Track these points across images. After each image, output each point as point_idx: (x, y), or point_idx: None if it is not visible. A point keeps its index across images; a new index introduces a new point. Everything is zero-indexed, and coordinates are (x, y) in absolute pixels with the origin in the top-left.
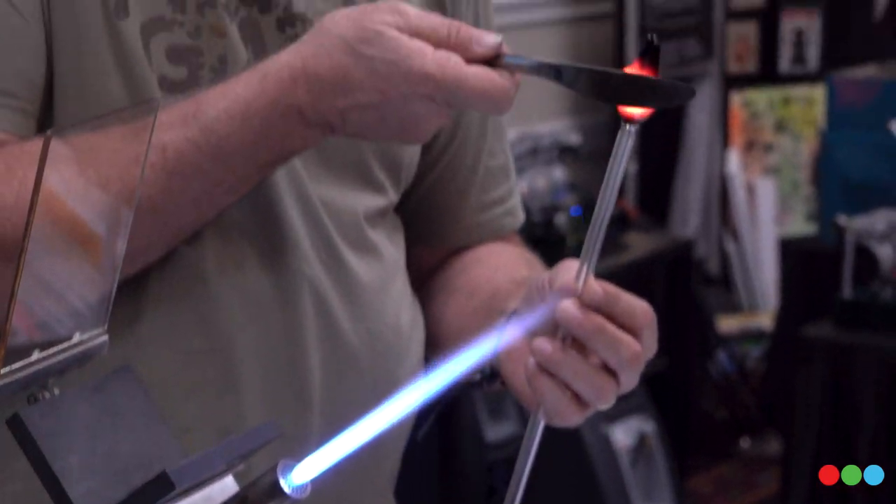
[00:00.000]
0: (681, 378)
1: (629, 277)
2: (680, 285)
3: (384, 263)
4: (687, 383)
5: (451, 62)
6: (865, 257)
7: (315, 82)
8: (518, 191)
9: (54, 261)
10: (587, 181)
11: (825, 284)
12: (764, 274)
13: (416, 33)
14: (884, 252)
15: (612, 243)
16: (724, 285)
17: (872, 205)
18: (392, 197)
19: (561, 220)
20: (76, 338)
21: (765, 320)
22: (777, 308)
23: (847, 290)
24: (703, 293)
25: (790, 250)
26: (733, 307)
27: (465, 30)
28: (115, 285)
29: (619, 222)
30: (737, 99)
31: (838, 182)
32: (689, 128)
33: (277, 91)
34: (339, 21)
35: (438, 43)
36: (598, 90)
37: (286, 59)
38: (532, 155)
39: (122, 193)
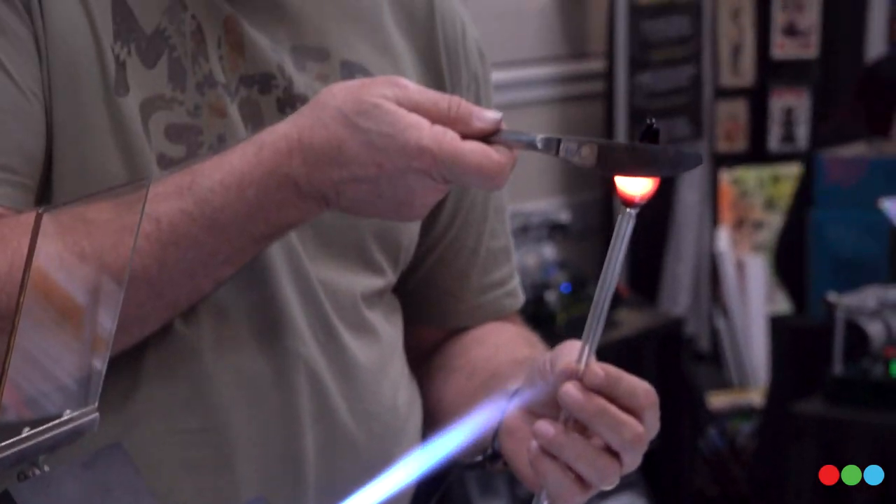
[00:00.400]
0: (672, 455)
1: (620, 354)
2: (670, 362)
3: (381, 344)
4: (678, 460)
5: (448, 137)
6: (855, 334)
7: (311, 154)
8: (517, 271)
9: (45, 337)
10: (577, 259)
11: (815, 361)
12: (754, 351)
13: (415, 107)
14: (874, 329)
15: None
16: (715, 362)
17: (862, 282)
18: (390, 278)
19: (551, 297)
20: (66, 415)
21: (755, 397)
22: (767, 385)
23: (837, 367)
24: (693, 370)
25: (780, 327)
26: (724, 384)
27: (465, 105)
28: (106, 362)
29: (611, 300)
30: (726, 177)
31: (827, 259)
32: (679, 206)
33: (273, 162)
34: (336, 93)
35: (438, 117)
36: (601, 161)
37: (283, 131)
38: (522, 233)
39: (115, 266)
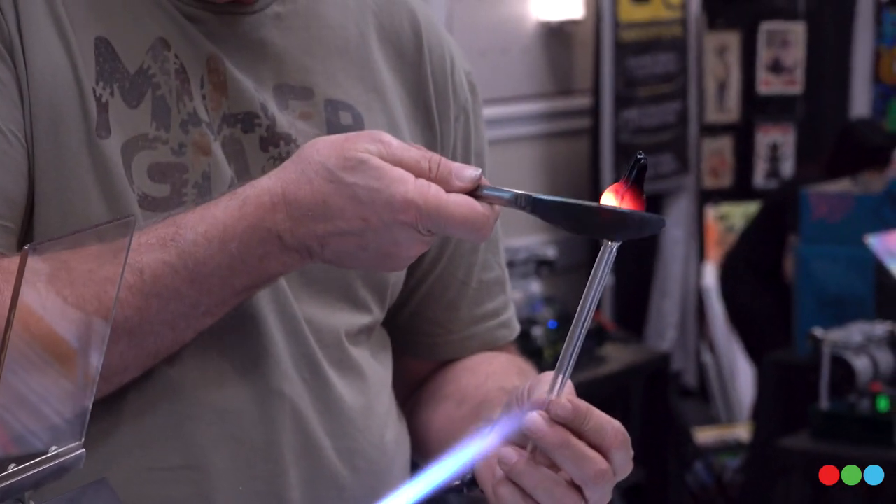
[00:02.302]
0: (658, 489)
1: (606, 390)
2: (657, 397)
3: (368, 382)
4: (665, 495)
5: (433, 190)
6: (842, 369)
7: (295, 208)
8: (512, 303)
9: (30, 375)
10: (563, 295)
11: (802, 396)
12: (741, 386)
13: (398, 163)
14: (860, 364)
15: (589, 356)
16: (702, 397)
17: (848, 317)
18: (377, 315)
19: (538, 333)
20: (53, 451)
21: (742, 432)
22: (754, 420)
23: (824, 402)
24: (680, 405)
25: (767, 362)
26: (710, 419)
27: (445, 163)
28: (92, 399)
29: (597, 335)
30: (712, 213)
31: (814, 295)
32: (665, 242)
33: (256, 216)
34: (320, 148)
35: (419, 175)
36: (571, 224)
37: (267, 185)
38: (508, 268)
39: (99, 312)
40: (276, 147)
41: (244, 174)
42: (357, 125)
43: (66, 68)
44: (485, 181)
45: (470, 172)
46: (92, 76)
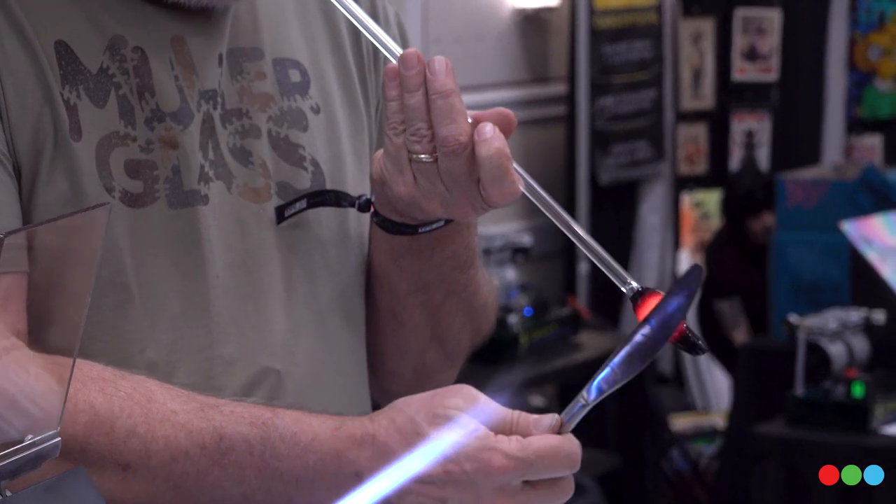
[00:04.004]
0: (635, 476)
1: (582, 377)
2: (632, 384)
3: None
4: (641, 482)
5: (514, 446)
6: (817, 355)
7: (382, 451)
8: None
9: (6, 365)
10: (539, 281)
11: (777, 383)
12: (716, 373)
13: (485, 420)
14: (835, 350)
15: (564, 343)
16: (677, 384)
17: (823, 304)
18: None
19: (513, 320)
20: (29, 439)
21: (718, 419)
22: (730, 407)
23: (799, 389)
24: (656, 392)
25: (742, 349)
26: (686, 406)
27: (524, 418)
28: (69, 386)
29: (572, 323)
30: (687, 200)
31: (789, 281)
32: (641, 229)
33: (345, 444)
34: (411, 402)
35: (503, 429)
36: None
37: (363, 421)
38: (484, 256)
39: (78, 297)
40: (230, 124)
41: (217, 150)
42: (304, 81)
43: (33, 76)
44: (562, 420)
45: (546, 422)
46: (58, 81)
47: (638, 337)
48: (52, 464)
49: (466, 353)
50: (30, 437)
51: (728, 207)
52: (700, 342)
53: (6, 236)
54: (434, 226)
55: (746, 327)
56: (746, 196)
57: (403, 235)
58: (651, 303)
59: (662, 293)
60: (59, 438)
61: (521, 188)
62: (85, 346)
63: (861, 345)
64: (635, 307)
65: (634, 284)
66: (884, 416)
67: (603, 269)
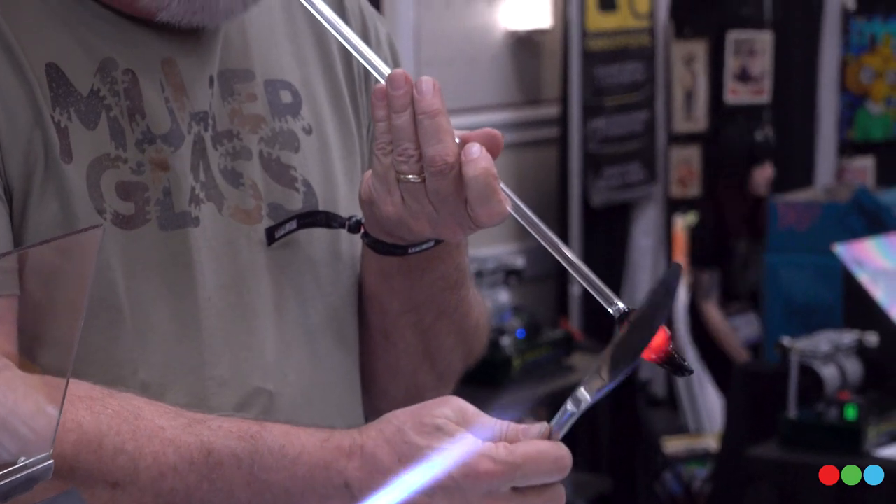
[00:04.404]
0: (627, 499)
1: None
2: (625, 407)
3: None
4: None
5: (502, 452)
6: (810, 378)
7: (370, 462)
8: None
9: (0, 389)
10: (532, 303)
11: (770, 405)
12: (709, 395)
13: (472, 428)
14: (828, 373)
15: (557, 365)
16: (670, 407)
17: (816, 326)
18: None
19: (506, 342)
20: (21, 462)
21: (711, 441)
22: (723, 429)
23: (792, 411)
24: (648, 415)
25: (735, 371)
26: (679, 429)
27: (513, 427)
28: (61, 411)
29: (565, 345)
30: (680, 222)
31: (781, 304)
32: (633, 250)
33: (333, 455)
34: (399, 415)
35: (490, 439)
36: (615, 367)
37: (352, 433)
38: (478, 278)
39: (71, 318)
40: (221, 146)
41: (208, 171)
42: (296, 102)
43: (24, 98)
44: (551, 428)
45: (535, 430)
46: (49, 103)
47: (619, 341)
48: (42, 484)
49: (459, 373)
50: (22, 459)
51: (731, 160)
52: (686, 364)
53: None
54: (424, 246)
55: (717, 302)
56: (753, 147)
57: (393, 256)
58: None
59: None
60: (51, 461)
61: (509, 208)
62: (77, 367)
63: (854, 367)
64: (620, 328)
65: (621, 305)
66: (877, 439)
67: (589, 290)
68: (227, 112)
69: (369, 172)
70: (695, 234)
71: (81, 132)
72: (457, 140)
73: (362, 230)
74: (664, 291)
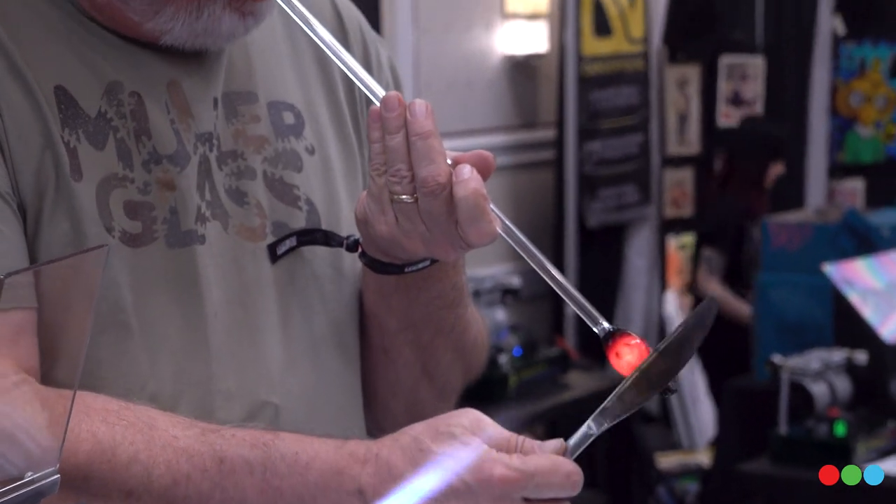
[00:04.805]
0: None
1: (570, 415)
2: (620, 423)
3: None
4: None
5: (515, 462)
6: (800, 395)
7: (384, 468)
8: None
9: (7, 406)
10: (528, 322)
11: (761, 422)
12: (702, 412)
13: (487, 440)
14: (818, 390)
15: (553, 383)
16: (664, 423)
17: (806, 344)
18: None
19: (503, 360)
20: (28, 476)
21: (703, 457)
22: (715, 445)
23: (783, 427)
24: (642, 431)
25: (727, 388)
26: (672, 444)
27: (529, 442)
28: (67, 427)
29: (561, 363)
30: (673, 243)
31: (773, 322)
32: (628, 271)
33: (347, 461)
34: (415, 426)
35: (505, 450)
36: (643, 390)
37: (367, 442)
38: (475, 297)
39: (78, 333)
40: (226, 165)
41: (213, 191)
42: (299, 123)
43: (34, 121)
44: (567, 446)
45: (552, 445)
46: (58, 124)
47: (646, 366)
48: (54, 495)
49: (459, 390)
50: (29, 474)
51: (741, 152)
52: (671, 384)
53: (7, 276)
54: (420, 265)
55: (720, 281)
56: (776, 142)
57: (390, 275)
58: (622, 343)
59: (634, 334)
60: (58, 476)
61: (499, 229)
62: (87, 382)
63: (843, 384)
64: (606, 347)
65: (606, 325)
66: (866, 455)
67: (575, 309)
68: (232, 133)
69: (364, 193)
70: (708, 214)
71: (90, 152)
72: (449, 161)
73: (360, 249)
74: (696, 324)
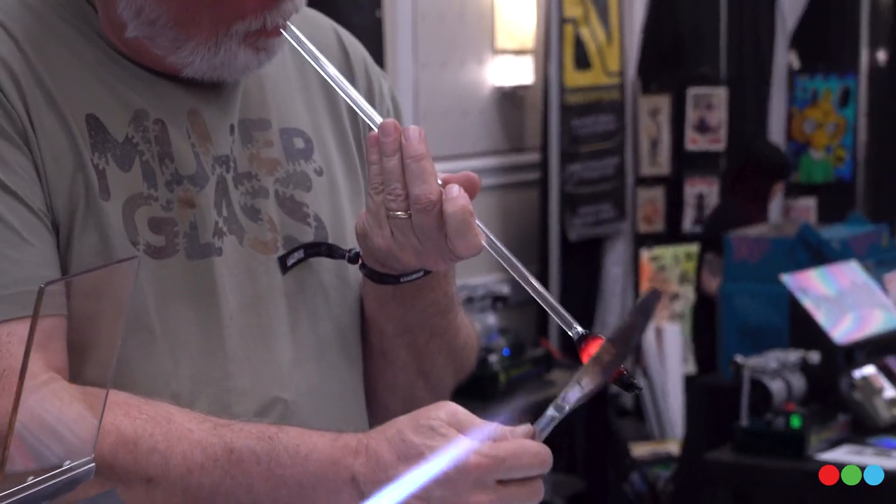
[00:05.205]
0: (599, 498)
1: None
2: (598, 416)
3: None
4: (604, 503)
5: (486, 448)
6: (760, 391)
7: (374, 458)
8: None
9: (41, 401)
10: (516, 326)
11: (725, 415)
12: (671, 406)
13: (461, 427)
14: (776, 386)
15: (538, 381)
16: (637, 416)
17: (766, 346)
18: None
19: (493, 359)
20: (66, 465)
21: (673, 447)
22: (683, 436)
23: (744, 420)
24: (618, 423)
25: (694, 385)
26: (645, 435)
27: (501, 428)
28: (101, 418)
29: (545, 362)
30: (646, 255)
31: (736, 326)
32: (605, 279)
33: (342, 452)
34: (399, 419)
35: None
36: (599, 371)
37: (358, 435)
38: (468, 303)
39: (111, 336)
40: (242, 185)
41: (230, 208)
42: (308, 148)
43: (67, 146)
44: (534, 430)
45: (521, 430)
46: (88, 149)
47: (598, 353)
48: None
49: (450, 388)
50: (67, 462)
51: (750, 171)
52: (635, 381)
53: (47, 286)
54: (414, 276)
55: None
56: (781, 164)
57: (388, 284)
58: (593, 345)
59: (602, 337)
60: (93, 464)
61: (484, 242)
62: (116, 381)
63: (798, 382)
64: (579, 348)
65: (579, 328)
66: (818, 445)
67: (551, 314)
68: (247, 156)
69: (364, 210)
70: (716, 221)
71: (117, 174)
72: (439, 181)
73: (360, 261)
74: (641, 313)
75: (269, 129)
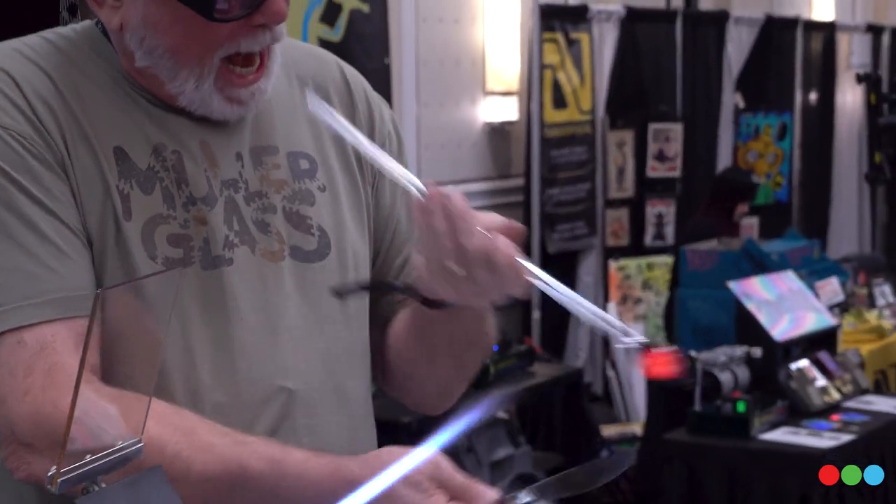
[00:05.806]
0: None
1: (534, 397)
2: (573, 402)
3: None
4: None
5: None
6: (711, 381)
7: (365, 462)
8: None
9: (92, 391)
10: (503, 324)
11: (681, 401)
12: (636, 393)
13: (441, 483)
14: (724, 377)
15: (522, 373)
16: (607, 402)
17: (715, 342)
18: None
19: None
20: (119, 444)
21: (637, 428)
22: (646, 419)
23: (697, 406)
24: (590, 408)
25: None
26: (613, 418)
27: (474, 486)
28: (150, 405)
29: (528, 357)
30: (613, 265)
31: (689, 326)
32: (579, 287)
33: (341, 460)
34: (382, 453)
35: (455, 494)
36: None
37: (356, 469)
38: None
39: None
40: (254, 202)
41: (241, 222)
42: (312, 168)
43: (97, 173)
44: (502, 498)
45: (490, 495)
46: (115, 176)
47: (572, 470)
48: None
49: (475, 372)
50: (119, 442)
51: (721, 193)
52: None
53: (103, 290)
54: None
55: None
56: (745, 187)
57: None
58: (652, 356)
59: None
60: (142, 444)
61: (529, 278)
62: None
63: (743, 373)
64: (640, 356)
65: (640, 338)
66: (760, 426)
67: (609, 330)
68: (258, 178)
69: (420, 259)
70: (693, 235)
71: (140, 197)
72: (485, 232)
73: (416, 292)
74: (612, 468)
75: (277, 154)
